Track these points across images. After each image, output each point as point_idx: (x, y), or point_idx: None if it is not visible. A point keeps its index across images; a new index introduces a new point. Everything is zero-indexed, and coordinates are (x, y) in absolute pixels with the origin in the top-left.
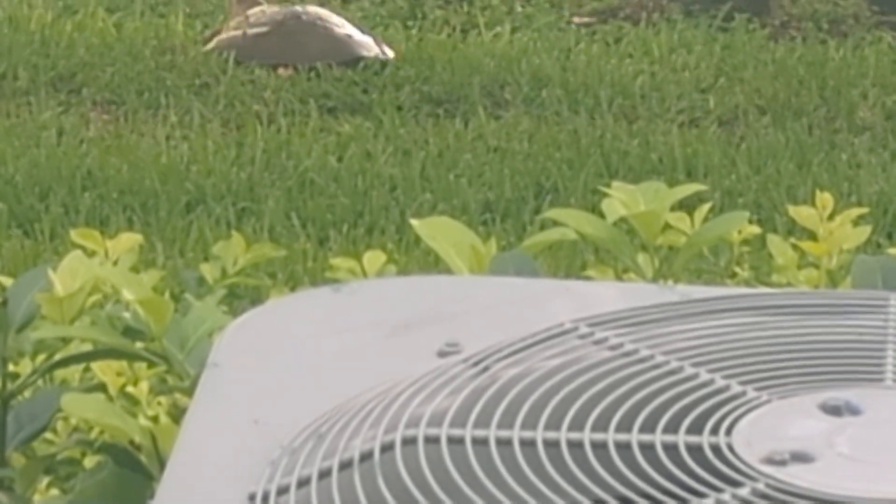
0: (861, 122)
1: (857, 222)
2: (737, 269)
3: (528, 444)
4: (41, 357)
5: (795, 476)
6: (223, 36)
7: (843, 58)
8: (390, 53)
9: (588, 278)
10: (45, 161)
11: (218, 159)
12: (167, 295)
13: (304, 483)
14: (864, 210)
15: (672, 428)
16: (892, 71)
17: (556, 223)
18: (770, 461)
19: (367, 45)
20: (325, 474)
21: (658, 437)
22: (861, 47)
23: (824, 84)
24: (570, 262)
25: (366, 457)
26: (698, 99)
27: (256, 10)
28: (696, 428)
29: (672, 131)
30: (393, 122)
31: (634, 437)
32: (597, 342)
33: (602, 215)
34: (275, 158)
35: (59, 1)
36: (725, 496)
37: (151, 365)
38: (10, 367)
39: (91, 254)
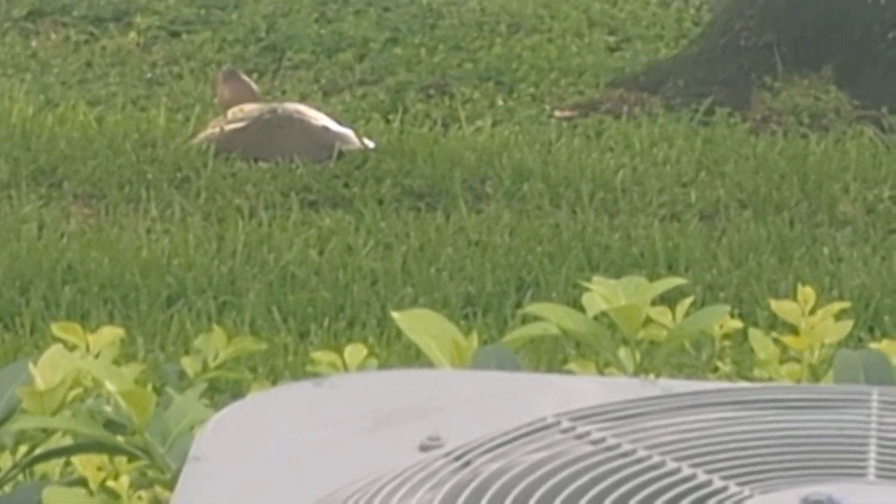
0: (842, 216)
1: (838, 316)
2: (718, 364)
3: None
4: (22, 450)
5: None
6: (204, 132)
7: (825, 152)
8: (371, 146)
9: (569, 372)
10: (25, 255)
11: (199, 253)
12: (148, 388)
13: None
14: (846, 304)
15: None
16: (873, 165)
17: (537, 317)
18: None
19: (347, 138)
20: None
21: None
22: (842, 141)
23: (805, 178)
24: (551, 356)
25: None
26: (679, 193)
27: (235, 108)
28: None
29: (653, 225)
30: (374, 215)
31: None
32: (579, 437)
33: (583, 309)
34: (256, 252)
35: (41, 95)
36: None
37: (132, 458)
38: None
39: (72, 347)
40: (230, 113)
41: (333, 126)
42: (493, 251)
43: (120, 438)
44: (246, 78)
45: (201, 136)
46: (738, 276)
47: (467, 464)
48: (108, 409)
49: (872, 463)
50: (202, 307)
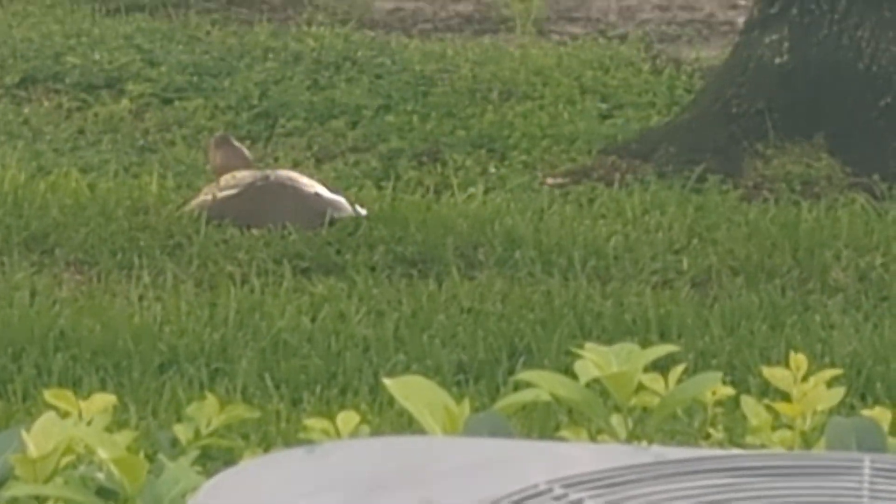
0: (834, 284)
1: (830, 383)
2: (711, 431)
3: None
4: None
5: None
6: (197, 199)
7: (817, 219)
8: (363, 213)
9: (562, 439)
10: (17, 321)
11: (191, 320)
12: (141, 456)
13: None
14: (838, 371)
15: None
16: (865, 232)
17: (529, 384)
18: None
19: (339, 205)
20: None
21: None
22: (834, 209)
23: (797, 245)
24: (543, 423)
25: None
26: (672, 260)
27: (227, 175)
28: None
29: (645, 292)
30: (366, 282)
31: None
32: None
33: (576, 376)
34: (248, 319)
35: (33, 162)
36: None
37: None
38: None
39: (64, 415)
40: (222, 180)
41: (326, 193)
42: (486, 318)
43: None
44: (238, 144)
45: (193, 202)
46: (730, 344)
47: None
48: (101, 476)
49: None
50: (194, 374)
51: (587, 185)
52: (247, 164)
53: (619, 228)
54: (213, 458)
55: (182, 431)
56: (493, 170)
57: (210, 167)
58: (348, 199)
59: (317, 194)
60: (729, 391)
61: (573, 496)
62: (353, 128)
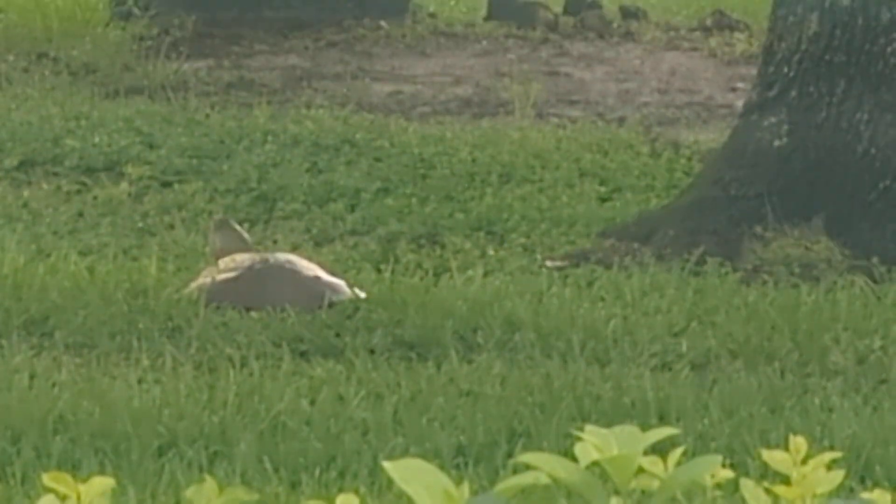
0: (833, 366)
1: (830, 466)
2: None
3: None
4: None
5: None
6: (196, 282)
7: (816, 302)
8: (362, 296)
9: None
10: (16, 405)
11: (190, 402)
12: None
13: None
14: (838, 454)
15: None
16: (864, 315)
17: (529, 467)
18: None
19: (338, 287)
20: None
21: None
22: (833, 291)
23: (796, 328)
24: None
25: None
26: (671, 343)
27: (226, 258)
28: None
29: (645, 375)
30: (365, 365)
31: None
32: None
33: (575, 459)
34: (247, 402)
35: (32, 245)
36: None
37: None
38: None
39: (63, 498)
40: (221, 263)
41: (325, 276)
42: (485, 401)
43: None
44: (238, 227)
45: (193, 285)
46: (729, 427)
47: None
48: None
49: None
50: (193, 457)
51: (586, 268)
52: (246, 247)
53: (618, 311)
54: None
55: None
56: (492, 252)
57: (209, 250)
58: (347, 281)
59: (316, 277)
60: (728, 474)
61: None
62: (351, 211)
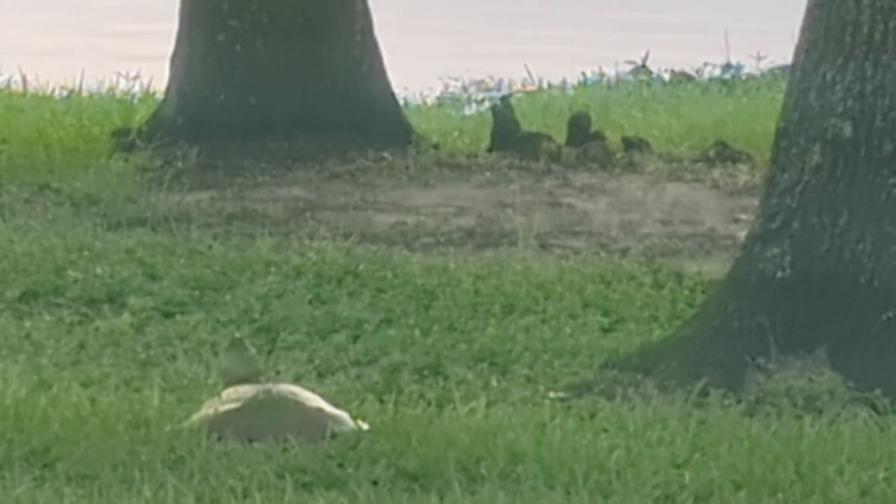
0: (837, 499)
1: None
2: None
3: None
4: None
5: None
6: (199, 413)
7: (819, 434)
8: (365, 427)
9: None
10: None
11: None
12: None
13: None
14: None
15: None
16: (868, 447)
17: None
18: None
19: (341, 419)
20: None
21: None
22: (837, 423)
23: (800, 460)
24: None
25: None
26: (674, 474)
27: (230, 389)
28: None
29: None
30: (368, 497)
31: None
32: None
33: None
34: None
35: (34, 376)
36: None
37: None
38: None
39: None
40: (224, 394)
41: (327, 407)
42: None
43: None
44: (250, 351)
45: (195, 416)
46: None
47: None
48: None
49: None
50: None
51: (589, 399)
52: (253, 372)
53: (622, 442)
54: None
55: None
56: (495, 383)
57: (218, 372)
58: (350, 413)
59: (318, 408)
60: None
61: None
62: (354, 341)
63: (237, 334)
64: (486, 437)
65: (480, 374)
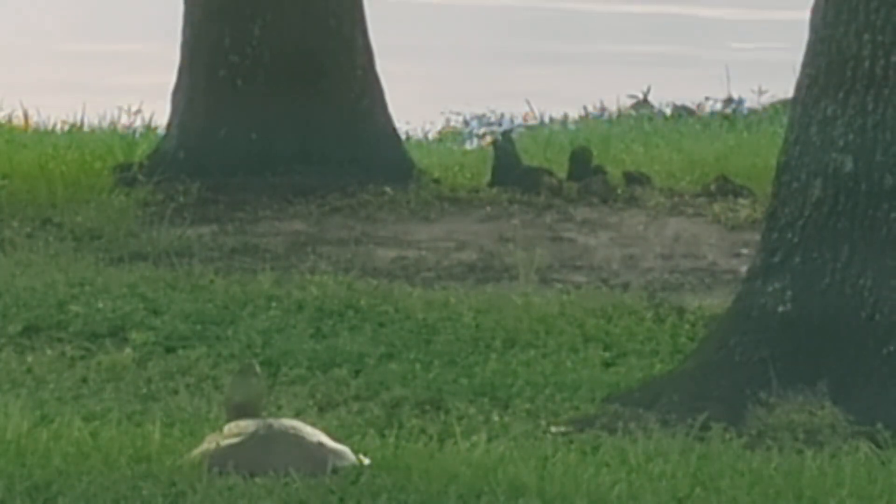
0: None
1: None
2: None
3: None
4: None
5: None
6: (200, 448)
7: (820, 467)
8: (367, 462)
9: None
10: None
11: None
12: None
13: None
14: None
15: None
16: (868, 481)
17: None
18: None
19: (342, 453)
20: None
21: None
22: (838, 457)
23: (801, 494)
24: None
25: None
26: None
27: (231, 424)
28: None
29: None
30: None
31: None
32: None
33: None
34: None
35: (36, 410)
36: None
37: None
38: None
39: None
40: (226, 428)
41: (328, 442)
42: None
43: None
44: (259, 378)
45: (196, 451)
46: None
47: None
48: None
49: None
50: None
51: (591, 434)
52: (258, 398)
53: (623, 476)
54: None
55: None
56: (496, 418)
57: (225, 394)
58: (351, 448)
59: (320, 443)
60: None
61: None
62: (355, 376)
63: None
64: (487, 471)
65: (482, 409)
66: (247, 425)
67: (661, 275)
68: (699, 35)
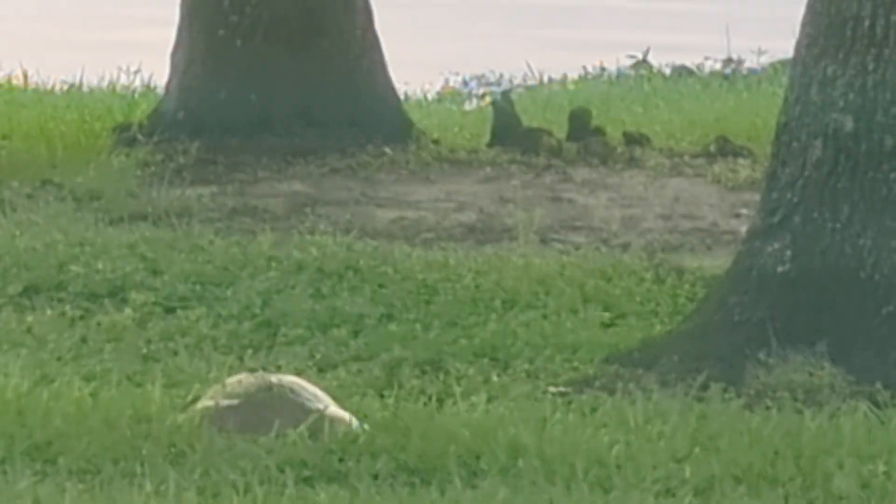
0: (837, 492)
1: None
2: None
3: None
4: None
5: None
6: (199, 405)
7: (819, 427)
8: (365, 427)
9: None
10: None
11: None
12: None
13: None
14: None
15: None
16: (868, 440)
17: None
18: None
19: (341, 416)
20: None
21: None
22: (837, 417)
23: (800, 453)
24: None
25: None
26: (674, 468)
27: (234, 379)
28: None
29: (648, 501)
30: (369, 490)
31: None
32: None
33: None
34: None
35: (36, 370)
36: None
37: None
38: None
39: None
40: (228, 385)
41: (330, 405)
42: None
43: None
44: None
45: (198, 405)
46: None
47: None
48: None
49: None
50: None
51: (590, 394)
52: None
53: (622, 437)
54: None
55: None
56: (495, 379)
57: None
58: (350, 409)
59: (323, 407)
60: None
61: None
62: (355, 337)
63: (232, 336)
64: (486, 432)
65: (481, 370)
66: (248, 385)
67: (661, 235)
68: None
